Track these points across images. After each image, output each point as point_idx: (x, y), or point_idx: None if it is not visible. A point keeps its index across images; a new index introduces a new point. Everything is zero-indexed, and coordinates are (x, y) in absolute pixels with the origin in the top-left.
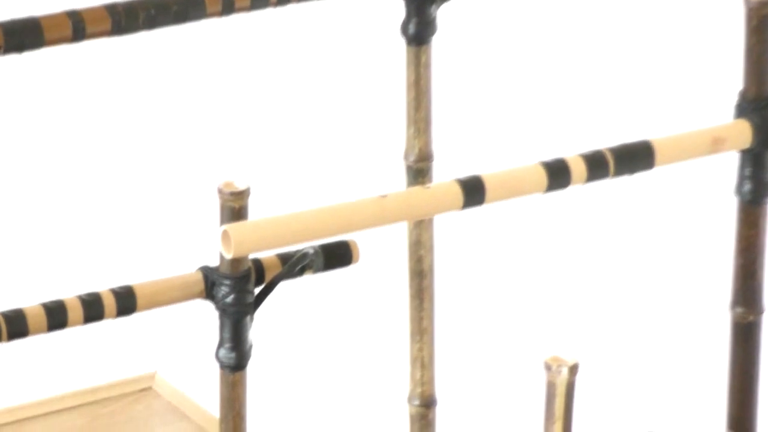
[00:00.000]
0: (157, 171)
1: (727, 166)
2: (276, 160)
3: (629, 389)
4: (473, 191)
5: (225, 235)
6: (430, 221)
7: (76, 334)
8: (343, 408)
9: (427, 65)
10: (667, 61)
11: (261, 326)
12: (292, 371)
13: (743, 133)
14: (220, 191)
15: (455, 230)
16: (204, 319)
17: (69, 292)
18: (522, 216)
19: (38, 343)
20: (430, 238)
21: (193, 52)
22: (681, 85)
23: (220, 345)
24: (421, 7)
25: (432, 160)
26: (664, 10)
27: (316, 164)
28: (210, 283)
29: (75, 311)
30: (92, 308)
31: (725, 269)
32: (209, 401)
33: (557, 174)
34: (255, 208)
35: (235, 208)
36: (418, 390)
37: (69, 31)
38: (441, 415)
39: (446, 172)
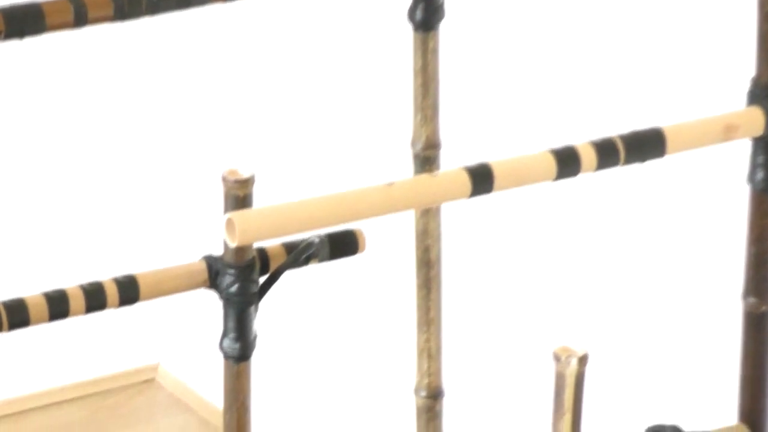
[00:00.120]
0: (160, 158)
1: (740, 153)
2: (281, 148)
3: (639, 380)
4: (481, 179)
5: (229, 224)
6: (438, 210)
7: (78, 324)
8: (349, 399)
9: (435, 51)
10: (679, 48)
11: (266, 316)
12: (297, 362)
13: (756, 120)
14: (225, 179)
15: (463, 219)
16: (208, 308)
17: (71, 281)
18: (531, 205)
19: (40, 334)
20: (438, 227)
21: (197, 39)
22: (693, 72)
23: (224, 335)
24: None
25: (439, 148)
26: None
27: (322, 152)
28: (214, 272)
29: (77, 300)
30: (94, 298)
31: (737, 259)
32: (213, 393)
33: (567, 162)
34: (260, 196)
35: (239, 196)
36: (425, 381)
37: (71, 17)
38: (448, 406)
39: (454, 159)
